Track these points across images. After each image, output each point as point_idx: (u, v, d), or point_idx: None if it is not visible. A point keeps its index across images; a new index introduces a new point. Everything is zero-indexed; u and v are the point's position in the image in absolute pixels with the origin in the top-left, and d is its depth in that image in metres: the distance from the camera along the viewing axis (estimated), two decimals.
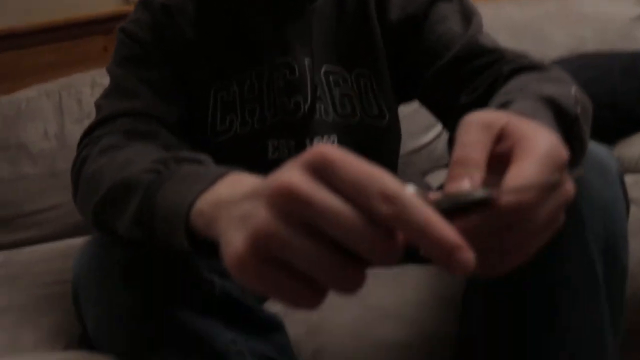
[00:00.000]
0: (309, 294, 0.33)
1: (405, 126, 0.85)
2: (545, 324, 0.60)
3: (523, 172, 0.36)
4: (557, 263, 0.59)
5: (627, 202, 0.62)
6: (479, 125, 0.39)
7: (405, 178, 0.91)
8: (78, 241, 0.73)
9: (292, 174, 0.32)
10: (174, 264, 0.56)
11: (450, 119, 0.75)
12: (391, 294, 0.72)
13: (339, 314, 0.71)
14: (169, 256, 0.55)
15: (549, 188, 0.36)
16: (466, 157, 0.37)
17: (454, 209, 0.34)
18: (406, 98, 0.82)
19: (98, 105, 0.74)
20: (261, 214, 0.32)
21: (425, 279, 0.73)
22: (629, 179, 0.79)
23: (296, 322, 0.69)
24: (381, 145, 0.81)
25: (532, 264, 0.60)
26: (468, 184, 0.36)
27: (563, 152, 0.38)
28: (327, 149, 0.32)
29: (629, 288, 0.63)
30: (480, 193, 0.35)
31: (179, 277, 0.56)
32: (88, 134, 0.69)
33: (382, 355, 0.68)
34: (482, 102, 0.65)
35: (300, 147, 0.76)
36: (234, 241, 0.33)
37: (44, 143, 1.36)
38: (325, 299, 0.33)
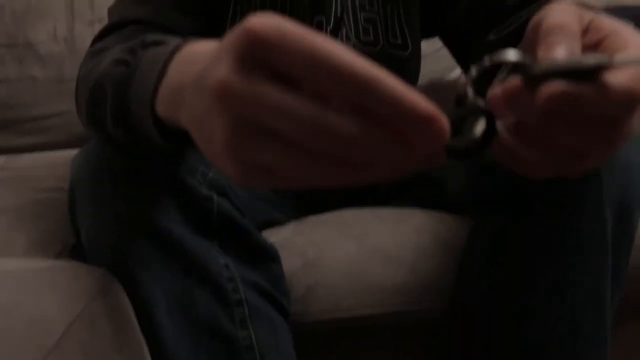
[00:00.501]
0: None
1: (425, 66, 0.82)
2: (548, 278, 0.59)
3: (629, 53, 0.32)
4: (568, 217, 0.58)
5: None
6: (565, 11, 0.35)
7: None
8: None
9: (225, 72, 0.28)
10: (172, 175, 0.55)
11: (472, 58, 0.72)
12: (392, 236, 0.71)
13: (336, 252, 0.70)
14: (168, 168, 0.54)
15: None
16: (562, 24, 0.33)
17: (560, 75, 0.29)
18: (431, 33, 0.79)
19: (110, 11, 0.71)
20: (215, 125, 0.29)
21: (428, 225, 0.72)
22: None
23: (292, 255, 0.69)
24: (400, 76, 0.78)
25: (540, 222, 0.59)
26: (565, 52, 0.32)
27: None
28: (259, 26, 0.27)
29: (633, 257, 0.62)
30: (592, 59, 0.29)
31: (177, 191, 0.55)
32: (96, 41, 0.67)
33: (375, 297, 0.68)
34: (513, 38, 0.62)
35: None
36: (212, 151, 0.31)
37: (52, 45, 1.32)
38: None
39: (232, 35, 0.28)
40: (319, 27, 0.72)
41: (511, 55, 0.30)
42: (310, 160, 0.28)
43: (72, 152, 1.16)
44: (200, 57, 0.36)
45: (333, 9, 0.73)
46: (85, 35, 1.27)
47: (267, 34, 0.27)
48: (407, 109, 0.27)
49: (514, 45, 0.59)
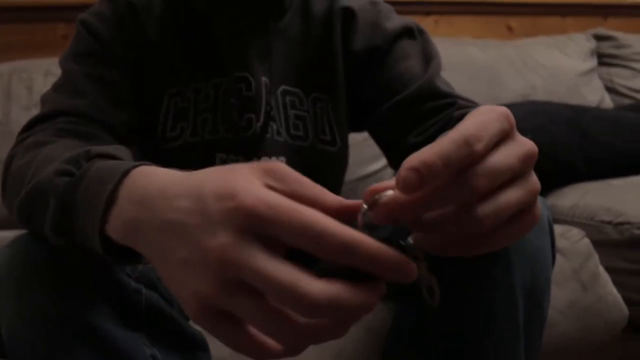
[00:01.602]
0: (257, 346, 0.36)
1: (354, 153, 0.86)
2: None
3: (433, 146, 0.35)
4: (482, 308, 0.60)
5: (553, 252, 0.64)
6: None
7: None
8: (9, 234, 0.69)
9: (226, 240, 0.34)
10: (99, 269, 0.55)
11: (396, 156, 0.77)
12: None
13: None
14: (94, 261, 0.54)
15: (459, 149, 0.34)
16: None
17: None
18: (358, 128, 0.83)
19: (44, 99, 0.71)
20: (202, 279, 0.35)
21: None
22: (558, 228, 0.83)
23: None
24: (328, 170, 0.82)
25: (457, 307, 0.62)
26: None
27: (505, 109, 0.37)
28: (253, 205, 0.33)
29: (546, 336, 0.65)
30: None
31: (103, 284, 0.55)
32: (26, 129, 0.67)
33: None
34: (429, 143, 0.67)
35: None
36: (185, 297, 0.36)
37: None
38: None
39: (222, 204, 0.34)
40: (249, 123, 0.75)
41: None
42: (280, 318, 0.34)
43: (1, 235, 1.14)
44: (161, 195, 0.39)
45: (263, 107, 0.76)
46: (21, 120, 1.25)
47: (261, 213, 0.33)
48: (384, 261, 0.33)
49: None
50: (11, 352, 0.55)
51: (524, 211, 0.37)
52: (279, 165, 0.37)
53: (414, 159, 0.34)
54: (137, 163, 0.45)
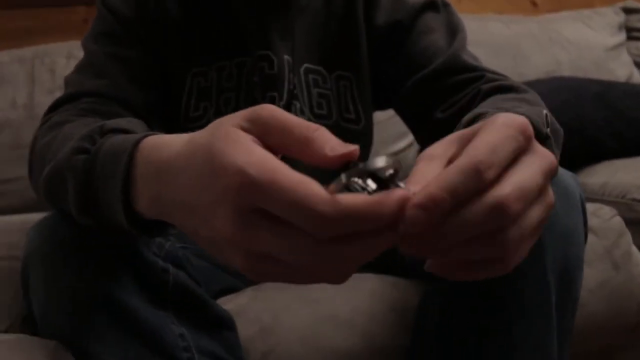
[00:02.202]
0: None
1: (378, 132, 0.85)
2: (497, 345, 0.61)
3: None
4: (514, 286, 0.60)
5: (586, 231, 0.63)
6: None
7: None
8: (37, 216, 0.70)
9: (228, 224, 0.35)
10: (129, 249, 0.55)
11: (423, 131, 0.76)
12: (345, 302, 0.72)
13: (291, 318, 0.71)
14: (122, 240, 0.54)
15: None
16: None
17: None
18: (383, 105, 0.82)
19: (67, 81, 0.72)
20: (233, 257, 0.36)
21: (381, 290, 0.74)
22: (589, 206, 0.81)
23: (248, 321, 0.69)
24: None
25: (489, 285, 0.61)
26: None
27: (522, 120, 0.36)
28: (250, 174, 0.33)
29: (577, 315, 0.64)
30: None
31: (131, 263, 0.55)
32: (50, 110, 0.67)
33: None
34: (457, 118, 0.66)
35: None
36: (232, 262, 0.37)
37: (11, 112, 1.33)
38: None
39: (220, 180, 0.35)
40: (272, 101, 0.75)
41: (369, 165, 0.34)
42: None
43: (26, 218, 1.16)
44: (168, 169, 0.40)
45: (285, 85, 0.75)
46: (45, 103, 1.26)
47: (250, 190, 0.33)
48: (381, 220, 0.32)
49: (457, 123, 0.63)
50: (43, 329, 0.56)
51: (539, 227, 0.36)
52: (263, 113, 0.36)
53: (421, 194, 0.33)
54: (144, 135, 0.45)
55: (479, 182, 0.33)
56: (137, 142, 0.44)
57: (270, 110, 0.36)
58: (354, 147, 0.34)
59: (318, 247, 0.33)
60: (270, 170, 0.33)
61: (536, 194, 0.35)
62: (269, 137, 0.36)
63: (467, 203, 0.33)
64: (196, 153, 0.37)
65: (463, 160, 0.34)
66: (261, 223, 0.34)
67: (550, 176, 0.36)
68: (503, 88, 0.66)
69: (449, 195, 0.32)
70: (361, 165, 0.33)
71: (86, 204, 0.48)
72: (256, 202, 0.33)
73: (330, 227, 0.32)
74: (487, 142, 0.34)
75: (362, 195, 0.33)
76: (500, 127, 0.35)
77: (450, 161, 0.36)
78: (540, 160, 0.36)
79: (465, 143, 0.36)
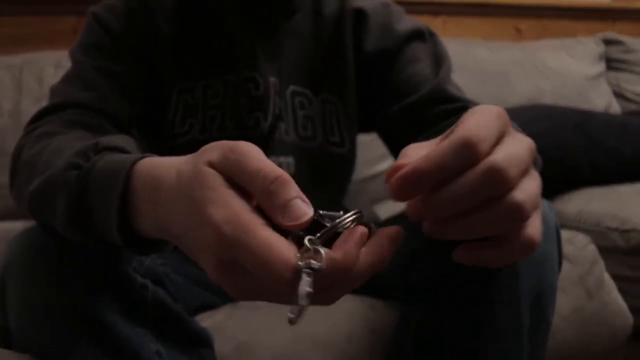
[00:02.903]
0: None
1: (361, 153, 0.86)
2: None
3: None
4: (488, 310, 0.60)
5: (560, 258, 0.64)
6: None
7: (355, 205, 0.93)
8: (18, 225, 0.69)
9: (209, 265, 0.38)
10: (107, 263, 0.55)
11: None
12: (322, 322, 0.73)
13: (268, 337, 0.71)
14: (104, 257, 0.55)
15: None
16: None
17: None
18: (367, 129, 0.83)
19: (53, 90, 0.72)
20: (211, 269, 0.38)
21: (358, 311, 0.74)
22: (564, 233, 0.83)
23: (225, 339, 0.69)
24: (336, 171, 0.82)
25: (462, 310, 0.62)
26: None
27: (497, 107, 0.38)
28: (225, 233, 0.36)
29: (550, 343, 0.65)
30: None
31: (110, 278, 0.55)
32: (35, 119, 0.67)
33: None
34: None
35: None
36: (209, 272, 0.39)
37: None
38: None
39: (202, 229, 0.38)
40: (257, 122, 0.76)
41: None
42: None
43: (6, 226, 1.15)
44: (165, 193, 0.42)
45: (271, 107, 0.76)
46: (31, 111, 1.24)
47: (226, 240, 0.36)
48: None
49: None
50: (17, 342, 0.55)
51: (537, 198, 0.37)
52: (232, 155, 0.38)
53: (408, 167, 0.34)
54: (140, 156, 0.46)
55: (472, 154, 0.34)
56: (134, 162, 0.45)
57: (240, 153, 0.38)
58: (306, 216, 0.36)
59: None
60: (242, 229, 0.36)
61: (526, 166, 0.36)
62: (238, 179, 0.38)
63: (463, 173, 0.34)
64: (182, 192, 0.39)
65: (454, 136, 0.35)
66: (241, 271, 0.37)
67: (532, 156, 0.38)
68: None
69: (434, 168, 0.34)
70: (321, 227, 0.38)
71: (77, 218, 0.48)
72: (233, 257, 0.36)
73: (292, 288, 0.35)
74: (475, 121, 0.35)
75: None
76: (481, 111, 0.37)
77: None
78: (521, 139, 0.37)
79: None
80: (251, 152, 0.38)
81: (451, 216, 0.36)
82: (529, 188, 0.36)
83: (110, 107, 0.69)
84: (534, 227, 0.38)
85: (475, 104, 0.72)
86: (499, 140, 0.36)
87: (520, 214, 0.36)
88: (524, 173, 0.36)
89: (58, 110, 0.67)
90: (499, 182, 0.34)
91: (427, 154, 0.34)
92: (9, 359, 0.52)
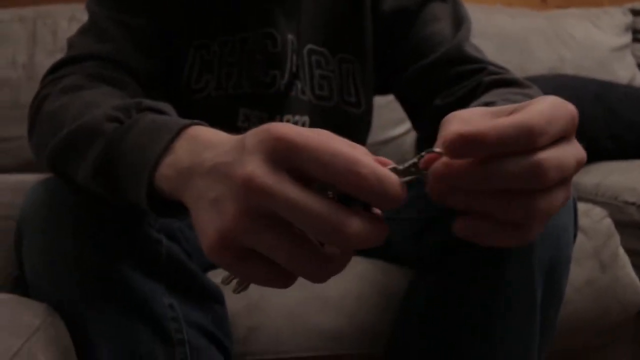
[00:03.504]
0: (280, 278, 0.35)
1: (377, 117, 0.85)
2: (480, 336, 0.62)
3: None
4: (499, 282, 0.61)
5: (575, 231, 0.64)
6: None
7: None
8: (32, 177, 0.70)
9: (254, 167, 0.33)
10: (124, 218, 0.55)
11: (421, 119, 0.76)
12: (334, 284, 0.73)
13: (279, 296, 0.72)
14: (120, 210, 0.54)
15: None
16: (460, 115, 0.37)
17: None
18: (384, 90, 0.82)
19: (70, 42, 0.71)
20: (228, 211, 0.34)
21: (370, 274, 0.75)
22: (580, 206, 0.82)
23: (236, 296, 0.69)
24: (351, 132, 0.81)
25: (475, 280, 0.62)
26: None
27: (573, 107, 0.36)
28: (285, 131, 0.33)
29: (561, 313, 0.65)
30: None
31: (125, 232, 0.55)
32: (53, 71, 0.67)
33: (314, 342, 0.70)
34: (456, 107, 0.66)
35: (271, 121, 0.75)
36: (207, 233, 0.35)
37: (10, 71, 1.32)
38: (295, 280, 0.36)
39: (257, 136, 0.34)
40: (273, 80, 0.75)
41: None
42: (304, 252, 0.33)
43: (20, 177, 1.16)
44: (213, 146, 0.39)
45: (288, 65, 0.75)
46: (46, 64, 1.24)
47: (292, 139, 0.33)
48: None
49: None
50: (33, 292, 0.56)
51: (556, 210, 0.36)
52: (286, 136, 0.34)
53: (473, 128, 0.33)
54: (193, 122, 0.44)
55: (529, 142, 0.33)
56: (187, 126, 0.43)
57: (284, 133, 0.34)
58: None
59: (317, 250, 0.34)
60: (313, 136, 0.33)
61: (569, 175, 0.35)
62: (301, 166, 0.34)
63: (512, 156, 0.33)
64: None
65: (519, 118, 0.33)
66: (287, 181, 0.33)
67: (578, 169, 0.36)
68: (506, 81, 0.66)
69: (495, 139, 0.32)
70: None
71: (106, 169, 0.48)
72: (290, 161, 0.33)
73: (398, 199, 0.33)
74: (542, 112, 0.34)
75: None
76: (554, 103, 0.35)
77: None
78: (577, 149, 0.36)
79: (502, 116, 0.36)
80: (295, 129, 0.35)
81: (483, 193, 0.35)
82: (554, 197, 0.35)
83: (127, 60, 0.69)
84: (532, 231, 0.36)
85: (495, 65, 0.71)
86: (558, 140, 0.35)
87: (540, 220, 0.35)
88: (562, 182, 0.35)
89: (76, 62, 0.66)
90: (537, 180, 0.34)
91: (493, 124, 0.33)
92: (27, 306, 0.53)
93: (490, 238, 0.36)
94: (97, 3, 0.73)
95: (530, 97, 0.61)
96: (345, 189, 0.33)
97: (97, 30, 0.71)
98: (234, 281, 0.38)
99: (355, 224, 0.32)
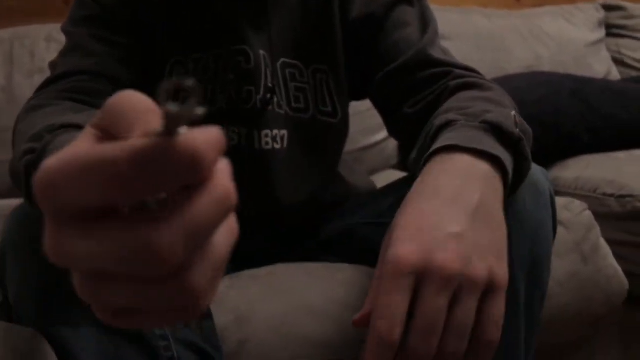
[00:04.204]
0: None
1: (358, 123, 0.87)
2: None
3: None
4: None
5: (554, 225, 0.64)
6: None
7: (352, 176, 0.92)
8: (15, 202, 0.69)
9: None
10: None
11: (393, 125, 0.77)
12: (320, 292, 0.73)
13: (267, 307, 0.72)
14: None
15: None
16: None
17: None
18: (358, 97, 0.83)
19: (54, 65, 0.72)
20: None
21: (355, 280, 0.75)
22: (560, 200, 0.83)
23: (224, 310, 0.70)
24: (329, 141, 0.82)
25: None
26: None
27: None
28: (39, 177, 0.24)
29: (546, 308, 0.65)
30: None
31: None
32: (38, 90, 0.67)
33: (305, 351, 0.70)
34: (425, 114, 0.67)
35: (249, 137, 0.76)
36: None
37: None
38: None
39: None
40: (249, 95, 0.75)
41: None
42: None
43: (5, 204, 1.15)
44: None
45: (262, 80, 0.75)
46: (24, 85, 1.26)
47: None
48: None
49: (425, 118, 0.64)
50: (18, 315, 0.56)
51: None
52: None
53: None
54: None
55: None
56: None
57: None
58: None
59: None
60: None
61: None
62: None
63: None
64: None
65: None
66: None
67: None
68: (469, 85, 0.67)
69: None
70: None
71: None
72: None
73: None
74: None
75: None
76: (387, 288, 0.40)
77: None
78: None
79: None
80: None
81: None
82: None
83: (112, 72, 0.69)
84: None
85: (461, 68, 0.71)
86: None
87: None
88: None
89: (63, 79, 0.67)
90: None
91: None
92: (13, 332, 0.53)
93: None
94: (74, 23, 0.74)
95: (493, 101, 0.62)
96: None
97: (79, 49, 0.71)
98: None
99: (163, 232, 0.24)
